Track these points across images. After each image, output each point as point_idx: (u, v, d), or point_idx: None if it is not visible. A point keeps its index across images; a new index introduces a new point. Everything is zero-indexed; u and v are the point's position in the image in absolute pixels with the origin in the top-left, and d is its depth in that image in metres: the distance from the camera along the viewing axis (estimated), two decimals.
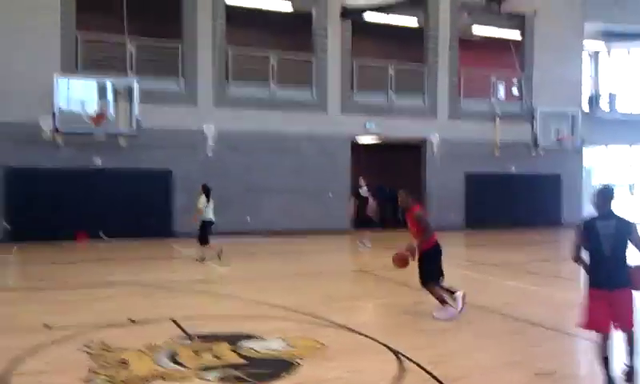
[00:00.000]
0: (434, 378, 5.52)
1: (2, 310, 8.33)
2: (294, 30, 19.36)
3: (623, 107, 26.17)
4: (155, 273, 11.66)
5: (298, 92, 19.05)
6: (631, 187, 27.24)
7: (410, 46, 20.98)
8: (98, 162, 16.66)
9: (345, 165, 19.47)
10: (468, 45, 21.59)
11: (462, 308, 7.72)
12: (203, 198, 12.92)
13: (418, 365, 5.87)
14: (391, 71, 20.14)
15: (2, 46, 15.71)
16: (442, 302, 7.77)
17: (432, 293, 7.83)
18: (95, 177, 16.50)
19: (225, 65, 17.99)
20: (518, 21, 22.34)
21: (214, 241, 13.21)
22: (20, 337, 6.75)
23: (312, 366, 5.92)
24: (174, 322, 7.56)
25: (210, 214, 12.91)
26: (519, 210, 21.53)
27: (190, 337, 6.88)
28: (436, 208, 20.08)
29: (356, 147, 20.02)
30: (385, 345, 6.56)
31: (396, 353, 6.27)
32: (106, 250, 15.03)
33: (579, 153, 22.96)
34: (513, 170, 21.82)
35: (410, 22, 21.08)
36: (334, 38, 19.39)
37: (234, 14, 18.02)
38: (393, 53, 20.40)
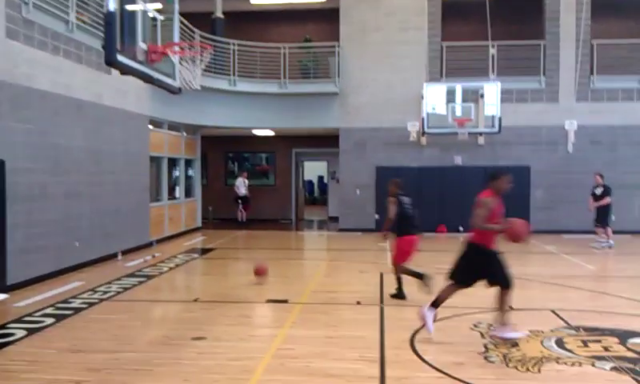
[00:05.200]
0: None
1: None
2: None
3: None
4: (524, 266, 11.99)
5: None
6: None
7: None
8: (459, 160, 17.78)
9: None
10: None
11: None
12: None
13: None
14: None
15: (379, 63, 17.98)
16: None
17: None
18: (454, 174, 17.63)
19: (589, 59, 17.38)
20: None
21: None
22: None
23: None
24: (554, 312, 7.87)
25: None
26: None
27: (573, 328, 7.13)
28: None
29: None
30: None
31: None
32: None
33: None
34: None
35: None
36: None
37: (597, 4, 17.23)
38: None
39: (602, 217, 14.49)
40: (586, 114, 17.34)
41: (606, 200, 14.40)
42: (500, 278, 6.49)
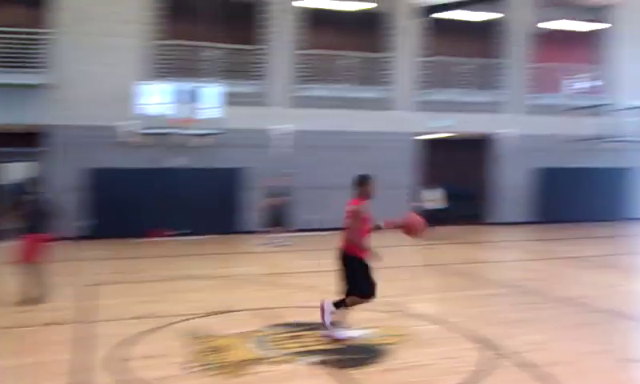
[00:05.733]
0: (527, 363, 5.70)
1: (102, 301, 8.90)
2: (366, 29, 19.56)
3: None
4: (234, 266, 12.13)
5: (369, 91, 19.33)
6: None
7: (480, 41, 20.83)
8: (174, 162, 17.34)
9: (413, 162, 19.58)
10: (542, 39, 21.26)
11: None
12: None
13: (510, 351, 6.05)
14: (462, 68, 20.12)
15: (87, 55, 16.59)
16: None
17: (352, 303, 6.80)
18: (170, 176, 17.17)
19: (299, 66, 18.48)
20: (596, 12, 21.78)
21: None
22: (122, 325, 7.26)
23: (404, 353, 6.23)
24: (261, 311, 7.96)
25: None
26: (591, 204, 21.02)
27: (280, 325, 7.28)
28: (506, 202, 20.42)
29: (424, 144, 20.03)
30: (473, 334, 6.75)
31: (484, 341, 6.45)
32: (183, 246, 15.65)
33: None
34: (584, 164, 21.29)
35: (482, 17, 20.93)
36: (404, 37, 19.54)
37: (307, 16, 18.42)
38: (463, 49, 20.25)
39: (277, 216, 15.10)
40: (296, 119, 18.28)
41: (282, 199, 15.06)
42: (359, 290, 6.58)
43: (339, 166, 18.43)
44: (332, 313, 6.67)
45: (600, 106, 21.09)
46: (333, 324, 6.67)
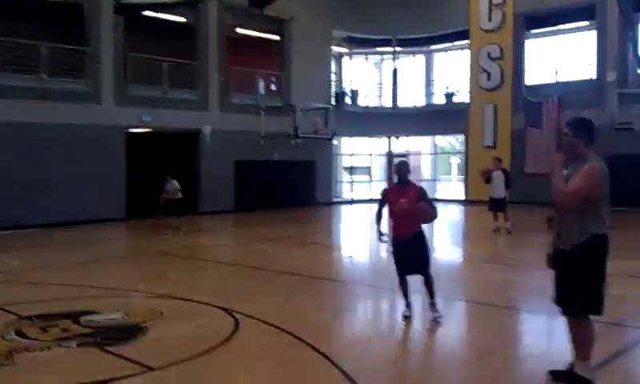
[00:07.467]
0: (267, 323, 6.91)
1: None
2: (66, 22, 18.89)
3: (363, 102, 30.31)
4: None
5: (71, 83, 18.67)
6: (369, 170, 32.09)
7: (182, 42, 21.83)
8: None
9: (120, 155, 19.66)
10: (235, 45, 23.25)
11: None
12: None
13: (250, 316, 7.19)
14: (165, 66, 20.80)
15: None
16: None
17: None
18: None
19: None
20: (277, 25, 24.73)
21: None
22: None
23: (159, 327, 6.84)
24: (9, 305, 7.71)
25: None
26: (282, 192, 24.02)
27: (27, 318, 7.20)
28: (210, 193, 22.02)
29: (131, 138, 20.25)
30: (216, 306, 7.74)
31: (227, 310, 7.50)
32: None
33: (331, 142, 26.16)
34: (276, 157, 24.07)
35: (182, 19, 22.05)
36: (106, 31, 19.40)
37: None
38: (166, 48, 20.94)
39: None
40: None
41: None
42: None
43: (44, 159, 17.67)
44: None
45: (283, 106, 24.14)
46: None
